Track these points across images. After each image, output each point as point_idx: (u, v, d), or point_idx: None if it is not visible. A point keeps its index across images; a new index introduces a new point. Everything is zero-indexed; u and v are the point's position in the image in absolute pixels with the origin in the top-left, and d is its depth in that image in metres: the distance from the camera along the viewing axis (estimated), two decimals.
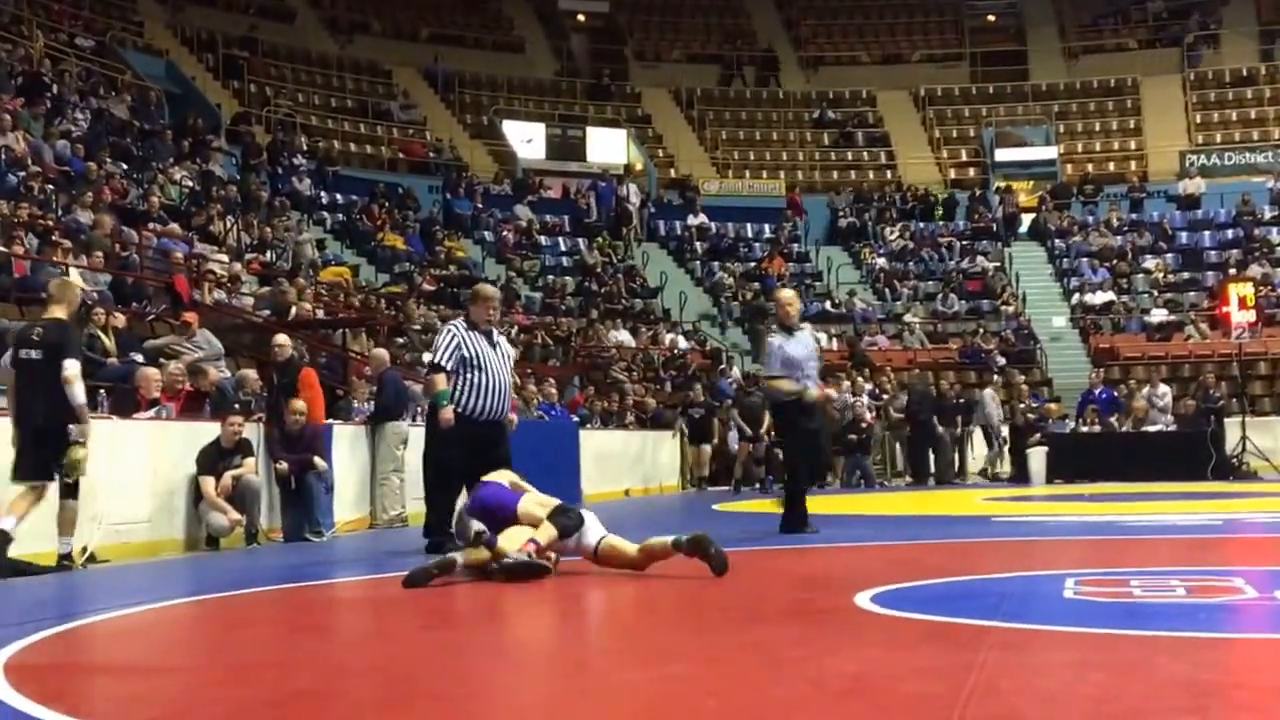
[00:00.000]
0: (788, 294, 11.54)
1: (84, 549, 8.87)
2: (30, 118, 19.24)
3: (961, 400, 21.36)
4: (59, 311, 8.73)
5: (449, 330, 9.31)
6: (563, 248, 29.20)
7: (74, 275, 13.97)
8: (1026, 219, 31.17)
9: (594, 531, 7.05)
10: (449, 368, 9.01)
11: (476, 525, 7.05)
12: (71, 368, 8.39)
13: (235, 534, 10.26)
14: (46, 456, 8.40)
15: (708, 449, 20.77)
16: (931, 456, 20.51)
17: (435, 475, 9.28)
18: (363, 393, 13.54)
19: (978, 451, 21.42)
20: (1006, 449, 21.20)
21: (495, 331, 9.32)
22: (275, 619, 6.38)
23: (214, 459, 10.18)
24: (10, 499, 8.33)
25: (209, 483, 10.08)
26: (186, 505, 10.08)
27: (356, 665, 4.85)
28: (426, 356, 12.40)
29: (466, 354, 9.01)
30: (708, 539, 6.74)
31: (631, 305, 27.30)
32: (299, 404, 11.12)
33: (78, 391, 8.41)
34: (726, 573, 6.60)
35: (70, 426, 8.38)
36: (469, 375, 8.99)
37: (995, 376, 23.52)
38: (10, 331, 9.87)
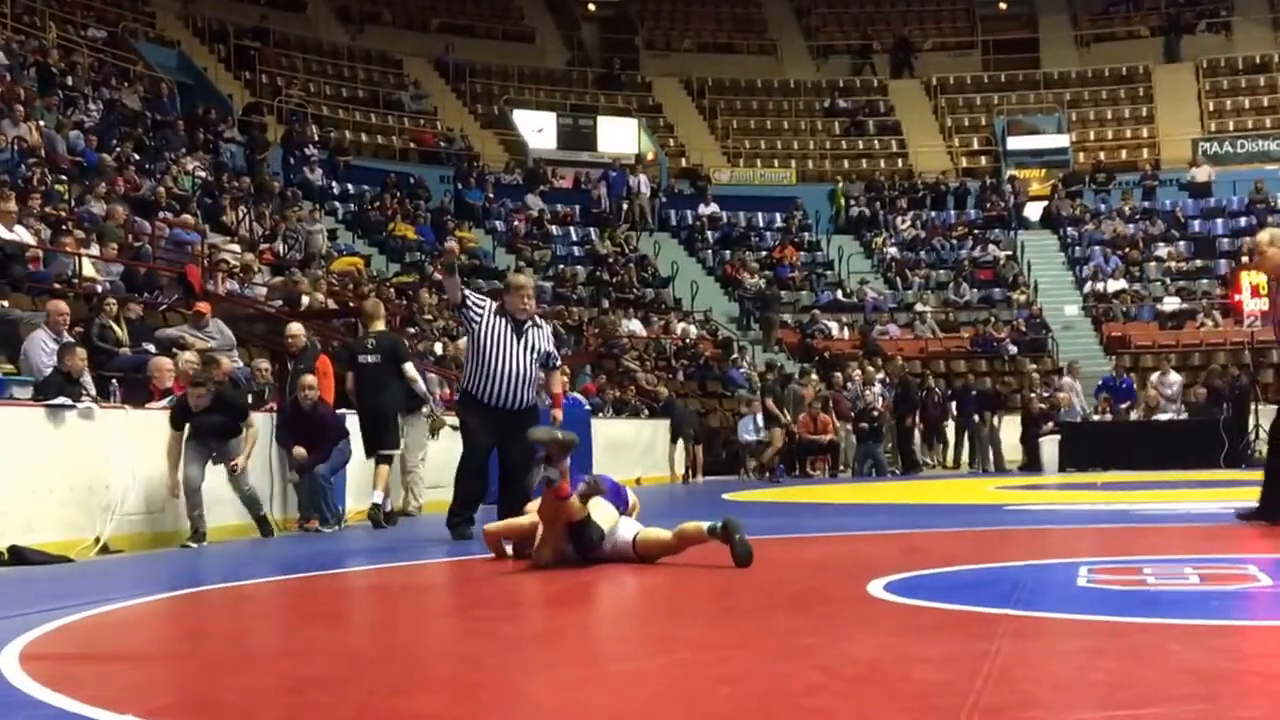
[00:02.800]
0: None
1: (97, 539, 8.92)
2: (43, 109, 19.27)
3: (950, 393, 21.51)
4: (380, 324, 11.30)
5: (485, 300, 9.16)
6: (574, 237, 29.21)
7: (87, 265, 14.04)
8: (1038, 207, 31.10)
9: (628, 528, 7.06)
10: (459, 297, 8.91)
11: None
12: (410, 369, 11.26)
13: (241, 524, 10.27)
14: (381, 436, 10.94)
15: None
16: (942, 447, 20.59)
17: (461, 460, 9.22)
18: None
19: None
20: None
21: (530, 324, 8.94)
22: (287, 607, 6.39)
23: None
24: (374, 477, 10.93)
25: (176, 439, 9.57)
26: (197, 495, 10.05)
27: (369, 652, 4.86)
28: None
29: (478, 329, 8.81)
30: (735, 524, 6.64)
31: (643, 295, 27.29)
32: (310, 379, 11.00)
33: (421, 384, 11.56)
34: (750, 564, 6.52)
35: (426, 409, 11.85)
36: (479, 359, 8.84)
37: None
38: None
